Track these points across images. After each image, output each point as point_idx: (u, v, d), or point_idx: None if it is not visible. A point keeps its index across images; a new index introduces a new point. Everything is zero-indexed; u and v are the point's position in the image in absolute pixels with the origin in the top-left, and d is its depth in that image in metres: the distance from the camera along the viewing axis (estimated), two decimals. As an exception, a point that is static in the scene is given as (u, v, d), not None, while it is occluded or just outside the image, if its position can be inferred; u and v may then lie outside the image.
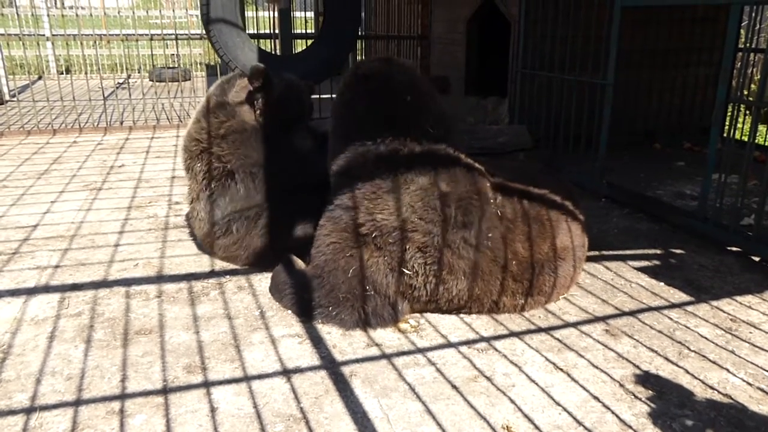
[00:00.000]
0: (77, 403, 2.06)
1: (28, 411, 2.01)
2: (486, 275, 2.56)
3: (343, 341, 2.47)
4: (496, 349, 2.43)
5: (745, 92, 3.33)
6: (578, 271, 2.90)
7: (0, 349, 2.37)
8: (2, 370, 2.23)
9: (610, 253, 3.41)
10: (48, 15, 10.44)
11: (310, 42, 8.67)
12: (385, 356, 2.37)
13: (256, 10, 8.46)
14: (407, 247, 2.48)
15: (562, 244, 2.72)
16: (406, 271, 2.50)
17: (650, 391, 2.16)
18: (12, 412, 2.00)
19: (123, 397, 2.09)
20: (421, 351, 2.41)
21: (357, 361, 2.33)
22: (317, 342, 2.46)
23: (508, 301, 2.65)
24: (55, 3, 12.99)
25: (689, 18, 5.75)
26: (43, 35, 9.12)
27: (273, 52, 6.68)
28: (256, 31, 8.06)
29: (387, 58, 2.84)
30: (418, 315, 2.69)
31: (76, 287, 2.91)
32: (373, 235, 2.48)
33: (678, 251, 3.45)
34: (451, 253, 2.50)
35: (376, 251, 2.50)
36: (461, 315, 2.69)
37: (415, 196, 2.49)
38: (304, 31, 8.59)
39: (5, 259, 3.23)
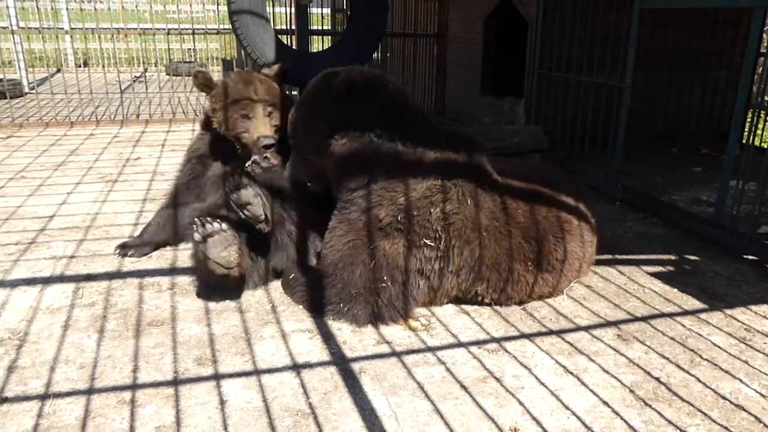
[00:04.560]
0: (89, 391, 2.08)
1: (43, 397, 2.04)
2: (501, 227, 2.63)
3: (354, 338, 2.48)
4: (506, 351, 2.42)
5: (766, 98, 3.29)
6: (587, 257, 2.90)
7: (16, 336, 2.41)
8: (18, 357, 2.27)
9: (624, 257, 3.38)
10: (67, 8, 10.54)
11: (326, 38, 8.68)
12: (395, 354, 2.37)
13: (274, 5, 8.49)
14: (431, 211, 2.54)
15: (563, 215, 2.80)
16: (429, 243, 2.54)
17: (661, 399, 2.14)
18: (27, 398, 2.03)
19: (134, 387, 2.11)
20: (431, 350, 2.41)
21: (367, 358, 2.34)
22: (327, 338, 2.47)
23: (521, 270, 2.67)
24: (75, -4, 13.11)
25: (710, 20, 5.68)
26: (62, 28, 9.21)
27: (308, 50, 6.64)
28: (273, 27, 8.07)
29: None
30: (429, 314, 2.69)
31: (90, 277, 2.94)
32: (398, 218, 2.53)
33: (692, 258, 3.41)
34: (473, 201, 2.59)
35: (398, 235, 2.54)
36: (472, 315, 2.69)
37: (433, 162, 2.61)
38: (320, 28, 8.59)
39: (22, 248, 3.27)
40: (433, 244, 2.56)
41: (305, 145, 2.80)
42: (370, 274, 2.53)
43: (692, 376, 2.29)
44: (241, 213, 2.46)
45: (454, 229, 2.57)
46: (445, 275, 2.62)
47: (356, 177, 2.63)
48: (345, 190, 2.67)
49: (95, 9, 9.38)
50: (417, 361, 2.33)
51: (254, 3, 5.75)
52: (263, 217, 2.49)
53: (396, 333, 2.53)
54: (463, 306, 2.77)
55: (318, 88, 2.76)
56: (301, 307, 2.70)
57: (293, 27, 6.65)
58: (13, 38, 8.40)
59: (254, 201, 2.45)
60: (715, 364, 2.37)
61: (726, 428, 1.99)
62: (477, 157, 2.74)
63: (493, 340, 2.50)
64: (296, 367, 2.26)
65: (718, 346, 2.50)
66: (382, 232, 2.56)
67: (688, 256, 3.43)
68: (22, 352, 2.30)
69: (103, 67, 8.76)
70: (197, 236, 2.29)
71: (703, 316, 2.76)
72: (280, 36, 6.26)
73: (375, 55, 8.48)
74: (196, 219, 2.33)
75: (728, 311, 2.80)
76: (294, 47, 6.48)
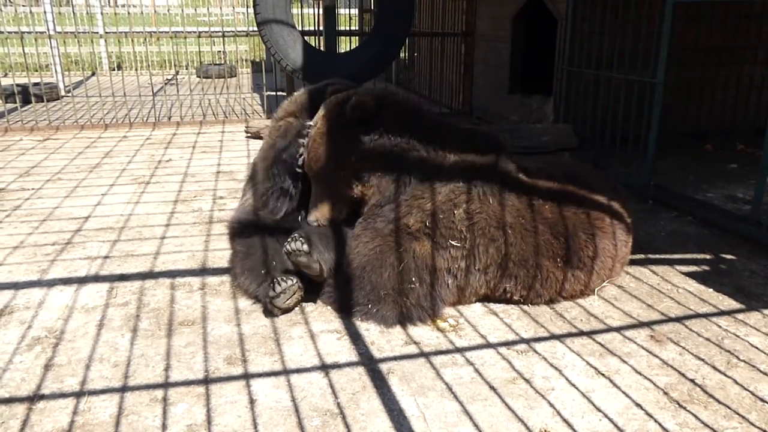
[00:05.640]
0: (123, 389, 2.12)
1: (78, 395, 2.09)
2: (527, 224, 2.63)
3: (382, 338, 2.48)
4: (536, 352, 2.39)
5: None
6: (621, 256, 2.86)
7: (53, 335, 2.47)
8: (55, 355, 2.33)
9: (657, 256, 3.32)
10: (102, 13, 10.78)
11: (353, 39, 8.70)
12: (423, 355, 2.37)
13: (302, 7, 8.56)
14: (455, 213, 2.57)
15: (594, 212, 2.77)
16: (455, 243, 2.55)
17: (696, 401, 2.09)
18: (63, 395, 2.08)
19: (166, 385, 2.15)
20: (460, 351, 2.40)
21: (395, 358, 2.34)
22: (355, 338, 2.48)
23: (550, 266, 2.65)
24: (109, 1, 13.41)
25: (745, 14, 5.53)
26: (97, 33, 9.42)
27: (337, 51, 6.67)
28: (300, 28, 8.14)
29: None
30: (457, 314, 2.67)
31: (123, 277, 3.00)
32: (426, 223, 2.57)
33: (728, 257, 3.33)
34: (495, 199, 2.61)
35: (426, 239, 2.57)
36: (501, 315, 2.67)
37: (454, 167, 2.65)
38: (348, 28, 8.62)
39: (59, 248, 3.35)
40: (459, 244, 2.58)
41: (325, 174, 2.80)
42: (399, 276, 2.55)
43: (729, 377, 2.23)
44: (299, 268, 2.64)
45: (478, 228, 2.58)
46: (472, 273, 2.62)
47: (383, 194, 2.68)
48: (371, 207, 2.71)
49: (128, 13, 9.57)
50: (445, 362, 2.32)
51: (279, 11, 5.81)
52: (318, 273, 2.65)
53: (424, 334, 2.53)
54: (492, 306, 2.75)
55: (332, 118, 2.76)
56: (329, 307, 2.71)
57: (321, 28, 6.70)
58: (50, 43, 8.63)
59: (313, 266, 2.59)
60: (753, 366, 2.31)
61: (765, 431, 1.94)
62: (498, 155, 2.75)
63: (523, 341, 2.48)
64: (325, 368, 2.27)
65: (756, 347, 2.43)
66: (411, 236, 2.59)
67: (723, 255, 3.35)
68: (58, 350, 2.36)
69: (136, 70, 8.94)
70: (272, 293, 2.55)
71: (739, 316, 2.69)
72: (307, 37, 6.31)
73: (402, 54, 8.48)
74: (275, 278, 2.59)
75: (766, 311, 2.73)
76: (321, 48, 6.52)
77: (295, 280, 2.60)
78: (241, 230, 3.01)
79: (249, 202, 3.14)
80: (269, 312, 2.64)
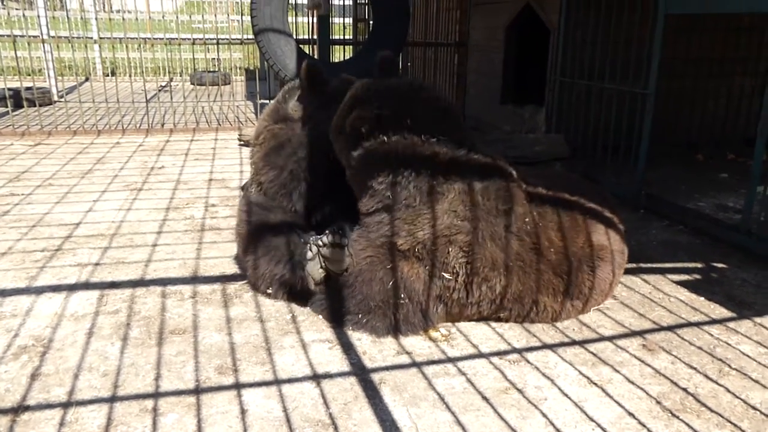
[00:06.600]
0: (112, 399, 2.10)
1: (65, 405, 2.06)
2: (527, 267, 2.55)
3: (374, 348, 2.47)
4: (528, 361, 2.39)
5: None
6: (617, 279, 2.84)
7: (41, 343, 2.44)
8: (42, 364, 2.30)
9: (649, 266, 3.32)
10: (96, 18, 10.76)
11: (347, 48, 8.73)
12: (415, 364, 2.36)
13: (296, 15, 8.57)
14: (449, 250, 2.49)
15: (598, 242, 2.70)
16: (447, 276, 2.50)
17: (688, 410, 2.09)
18: (50, 406, 2.05)
19: (156, 395, 2.12)
20: (452, 360, 2.39)
21: (387, 368, 2.33)
22: (347, 348, 2.46)
23: (548, 302, 2.61)
24: (103, 7, 13.40)
25: (734, 27, 5.59)
26: (91, 38, 9.41)
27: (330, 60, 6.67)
28: (295, 37, 8.15)
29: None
30: (449, 324, 2.67)
31: (114, 285, 2.98)
32: (416, 248, 2.50)
33: (719, 265, 3.34)
34: (495, 244, 2.50)
35: (417, 262, 2.51)
36: (493, 325, 2.66)
37: (455, 202, 2.51)
38: (342, 38, 8.64)
39: (48, 255, 3.32)
40: (450, 277, 2.51)
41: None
42: (389, 291, 2.51)
43: (721, 386, 2.23)
44: (325, 263, 2.61)
45: (472, 268, 2.50)
46: (464, 305, 2.58)
47: (368, 202, 2.62)
48: (361, 212, 2.67)
49: (123, 19, 9.57)
50: (437, 372, 2.31)
51: (276, 22, 5.85)
52: (341, 271, 2.62)
53: (416, 343, 2.51)
54: (485, 315, 2.75)
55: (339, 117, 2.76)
56: (320, 317, 2.70)
57: (315, 37, 6.71)
58: (44, 47, 8.60)
59: (346, 260, 2.58)
60: (745, 374, 2.31)
61: (756, 443, 1.94)
62: (508, 192, 2.60)
63: (515, 350, 2.47)
64: (316, 377, 2.26)
65: (748, 355, 2.44)
66: (401, 254, 2.52)
67: (714, 264, 3.36)
68: (45, 359, 2.33)
69: (130, 76, 8.93)
70: (323, 241, 2.59)
71: (731, 324, 2.70)
72: (301, 46, 6.32)
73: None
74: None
75: (757, 319, 2.74)
76: (316, 58, 6.53)
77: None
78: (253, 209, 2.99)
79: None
80: (293, 285, 2.70)
